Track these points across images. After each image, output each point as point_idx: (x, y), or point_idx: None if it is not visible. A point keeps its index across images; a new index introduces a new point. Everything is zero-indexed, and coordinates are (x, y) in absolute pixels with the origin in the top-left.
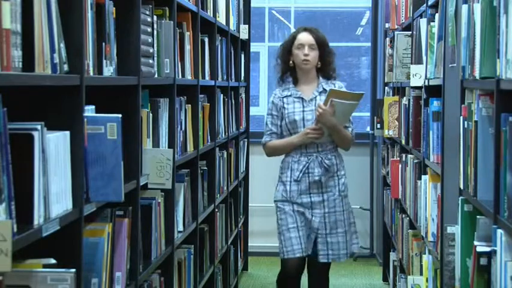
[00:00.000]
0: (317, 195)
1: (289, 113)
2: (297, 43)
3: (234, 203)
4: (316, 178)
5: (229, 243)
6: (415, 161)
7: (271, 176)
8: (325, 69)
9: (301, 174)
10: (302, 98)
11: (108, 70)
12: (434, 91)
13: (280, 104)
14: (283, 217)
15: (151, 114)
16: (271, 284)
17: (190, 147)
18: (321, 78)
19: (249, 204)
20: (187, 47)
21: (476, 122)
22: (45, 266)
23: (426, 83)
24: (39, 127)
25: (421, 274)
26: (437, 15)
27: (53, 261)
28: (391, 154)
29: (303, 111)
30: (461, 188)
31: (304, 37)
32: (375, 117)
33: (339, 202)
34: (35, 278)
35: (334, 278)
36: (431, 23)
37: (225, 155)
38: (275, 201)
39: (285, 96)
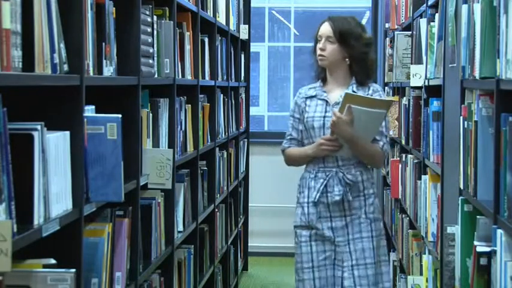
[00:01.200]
0: (339, 219)
1: (309, 117)
2: (318, 35)
3: (234, 203)
4: (337, 198)
5: (229, 243)
6: (415, 161)
7: (271, 176)
8: (354, 68)
9: (318, 194)
10: (326, 101)
11: (108, 70)
12: (434, 91)
13: (303, 105)
14: (298, 252)
15: (151, 114)
16: (271, 284)
17: (190, 147)
18: (354, 78)
19: (249, 204)
20: (187, 47)
21: (476, 122)
22: (45, 266)
23: (426, 83)
24: (39, 127)
25: (421, 274)
26: (437, 15)
27: (53, 261)
28: (391, 154)
29: (324, 116)
30: (461, 188)
31: (323, 28)
32: None
33: (366, 226)
34: (35, 278)
35: None
36: (431, 23)
37: (225, 155)
38: (294, 226)
39: (309, 97)
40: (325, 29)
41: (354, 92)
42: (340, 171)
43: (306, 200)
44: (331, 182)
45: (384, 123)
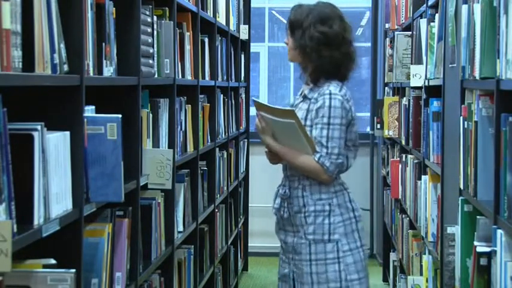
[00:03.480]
0: (291, 235)
1: None
2: None
3: (234, 203)
4: (274, 211)
5: (229, 244)
6: (415, 161)
7: (271, 176)
8: (303, 63)
9: (274, 205)
10: (293, 103)
11: (108, 70)
12: (434, 91)
13: None
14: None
15: (151, 115)
16: (271, 284)
17: (190, 147)
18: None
19: (249, 205)
20: (187, 47)
21: (476, 122)
22: (45, 266)
23: (426, 83)
24: (39, 127)
25: (421, 274)
26: (437, 16)
27: (53, 261)
28: (391, 154)
29: None
30: (461, 188)
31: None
32: (375, 118)
33: (305, 248)
34: (35, 278)
35: None
36: (431, 23)
37: (225, 155)
38: None
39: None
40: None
41: (304, 94)
42: (286, 182)
43: None
44: (278, 192)
45: (325, 133)
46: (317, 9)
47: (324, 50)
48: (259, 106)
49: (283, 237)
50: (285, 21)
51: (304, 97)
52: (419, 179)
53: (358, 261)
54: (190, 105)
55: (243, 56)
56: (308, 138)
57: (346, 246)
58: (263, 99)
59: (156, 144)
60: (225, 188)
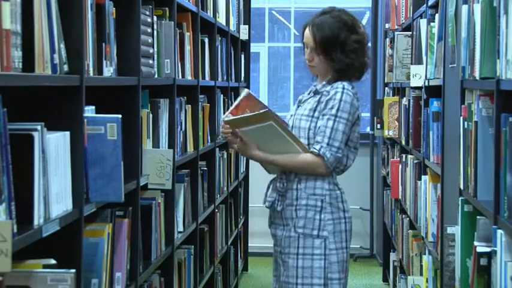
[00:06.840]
0: (280, 228)
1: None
2: (303, 41)
3: (234, 203)
4: (266, 204)
5: (229, 244)
6: (415, 161)
7: (271, 177)
8: (339, 73)
9: (265, 198)
10: (301, 99)
11: (108, 70)
12: (434, 91)
13: None
14: None
15: (151, 115)
16: (271, 284)
17: (190, 147)
18: (327, 78)
19: (249, 205)
20: (187, 48)
21: (476, 122)
22: (45, 266)
23: (426, 84)
24: (39, 127)
25: (421, 274)
26: (437, 16)
27: (53, 261)
28: (391, 154)
29: (293, 115)
30: (461, 188)
31: (306, 35)
32: (375, 118)
33: (294, 241)
34: (35, 279)
35: None
36: (431, 24)
37: (225, 156)
38: None
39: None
40: (308, 37)
41: (315, 89)
42: (281, 176)
43: None
44: (271, 186)
45: (331, 124)
46: (339, 20)
47: (361, 57)
48: (233, 123)
49: (274, 232)
50: (285, 22)
51: (315, 92)
52: (419, 179)
53: (341, 261)
54: (190, 105)
55: (243, 56)
56: (292, 135)
57: (332, 245)
58: (263, 99)
59: (156, 144)
60: (225, 188)
